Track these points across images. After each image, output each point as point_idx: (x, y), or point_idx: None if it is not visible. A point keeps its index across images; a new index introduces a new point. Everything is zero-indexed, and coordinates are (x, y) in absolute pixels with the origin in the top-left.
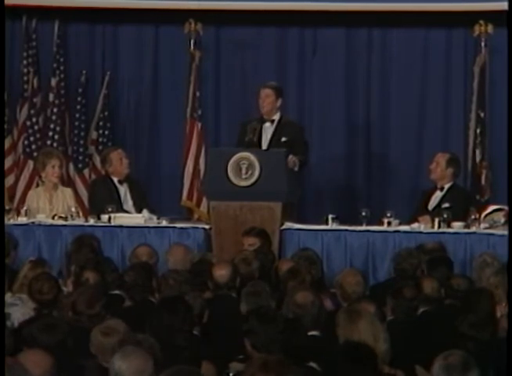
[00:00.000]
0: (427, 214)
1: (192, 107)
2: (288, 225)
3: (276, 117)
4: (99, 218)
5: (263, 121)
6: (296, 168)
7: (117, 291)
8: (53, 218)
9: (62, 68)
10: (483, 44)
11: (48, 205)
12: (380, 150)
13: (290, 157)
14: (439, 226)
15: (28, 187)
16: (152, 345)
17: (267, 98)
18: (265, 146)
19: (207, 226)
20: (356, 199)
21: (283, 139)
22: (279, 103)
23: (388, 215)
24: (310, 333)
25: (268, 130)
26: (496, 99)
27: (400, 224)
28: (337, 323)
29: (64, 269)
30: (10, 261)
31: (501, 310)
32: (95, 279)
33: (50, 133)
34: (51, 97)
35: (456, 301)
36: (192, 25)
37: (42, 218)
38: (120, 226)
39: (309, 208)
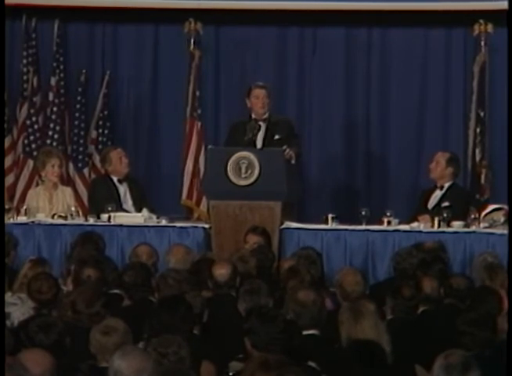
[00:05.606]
0: (427, 213)
1: (192, 107)
2: (288, 224)
3: (266, 115)
4: (98, 218)
5: (256, 121)
6: (293, 161)
7: (116, 290)
8: (53, 217)
9: (62, 67)
10: (483, 43)
11: (48, 204)
12: (379, 149)
13: (287, 150)
14: (439, 226)
15: (28, 186)
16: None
17: (265, 98)
18: (259, 144)
19: (206, 226)
20: (356, 198)
21: (276, 137)
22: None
23: (388, 214)
24: (310, 332)
25: (261, 129)
26: (496, 99)
27: (400, 223)
28: (340, 322)
29: (64, 268)
30: (10, 260)
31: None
32: (95, 277)
33: (50, 132)
34: (51, 96)
35: (455, 300)
36: (192, 24)
37: (42, 217)
38: (120, 225)
39: (309, 208)
